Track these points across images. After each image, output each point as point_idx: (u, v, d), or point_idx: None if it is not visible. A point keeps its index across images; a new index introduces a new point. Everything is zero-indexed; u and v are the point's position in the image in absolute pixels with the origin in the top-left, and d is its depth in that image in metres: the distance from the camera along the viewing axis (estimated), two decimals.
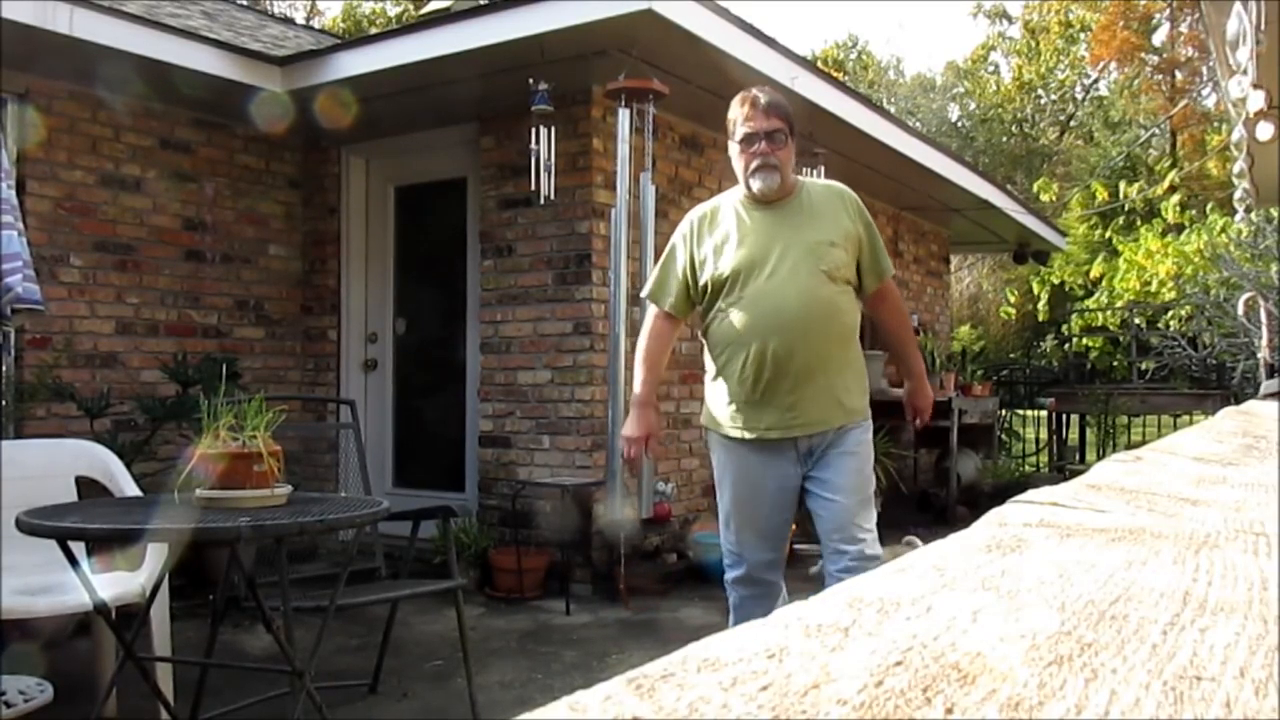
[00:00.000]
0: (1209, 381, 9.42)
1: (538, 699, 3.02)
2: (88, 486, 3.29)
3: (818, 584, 3.65)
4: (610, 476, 4.80)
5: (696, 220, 2.93)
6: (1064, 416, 10.21)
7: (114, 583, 2.97)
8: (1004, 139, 25.73)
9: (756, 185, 2.79)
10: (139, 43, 4.72)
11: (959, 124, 26.91)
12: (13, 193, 3.57)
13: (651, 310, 3.03)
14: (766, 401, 2.75)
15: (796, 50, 5.52)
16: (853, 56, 28.36)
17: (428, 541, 4.01)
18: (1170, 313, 9.97)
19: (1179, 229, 10.31)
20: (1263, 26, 3.03)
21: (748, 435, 2.80)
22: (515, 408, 5.42)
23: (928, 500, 7.96)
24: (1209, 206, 10.94)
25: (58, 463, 3.32)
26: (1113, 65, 24.48)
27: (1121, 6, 22.80)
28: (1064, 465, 9.68)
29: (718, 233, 2.86)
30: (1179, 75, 23.34)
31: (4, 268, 3.41)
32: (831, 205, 2.86)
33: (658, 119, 4.97)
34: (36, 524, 2.31)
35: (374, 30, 16.40)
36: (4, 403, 4.08)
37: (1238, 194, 5.63)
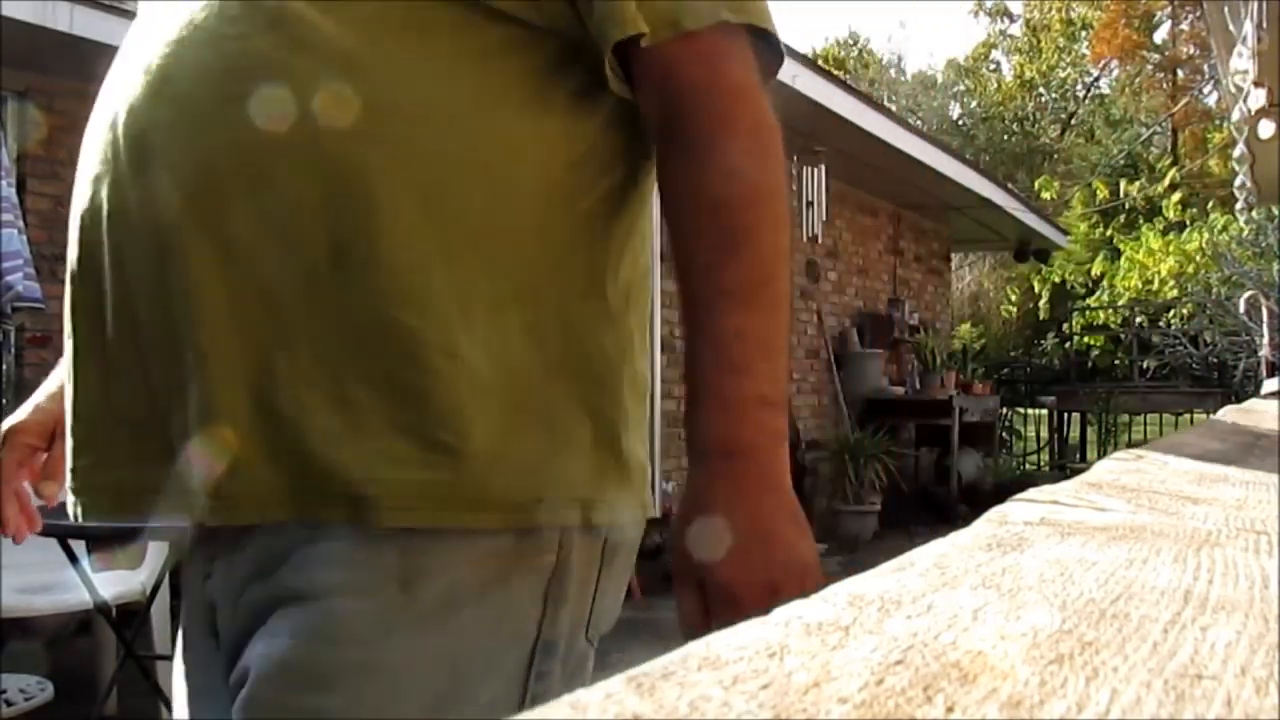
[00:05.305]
0: (1210, 380, 9.44)
1: None
2: None
3: None
4: None
5: None
6: (1065, 415, 10.22)
7: (115, 581, 2.97)
8: (1005, 137, 25.73)
9: None
10: None
11: (960, 122, 26.90)
12: (13, 191, 3.57)
13: None
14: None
15: (797, 48, 5.52)
16: (853, 54, 28.33)
17: None
18: (1172, 311, 10.00)
19: (1180, 227, 10.35)
20: (1264, 24, 3.03)
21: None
22: None
23: (929, 498, 7.96)
24: (1210, 205, 10.97)
25: None
26: (1114, 63, 24.49)
27: (1123, 4, 22.79)
28: (1065, 464, 9.70)
29: None
30: (1180, 73, 23.35)
31: (4, 266, 3.42)
32: None
33: None
34: None
35: None
36: (4, 401, 4.08)
37: (1238, 181, 5.64)
